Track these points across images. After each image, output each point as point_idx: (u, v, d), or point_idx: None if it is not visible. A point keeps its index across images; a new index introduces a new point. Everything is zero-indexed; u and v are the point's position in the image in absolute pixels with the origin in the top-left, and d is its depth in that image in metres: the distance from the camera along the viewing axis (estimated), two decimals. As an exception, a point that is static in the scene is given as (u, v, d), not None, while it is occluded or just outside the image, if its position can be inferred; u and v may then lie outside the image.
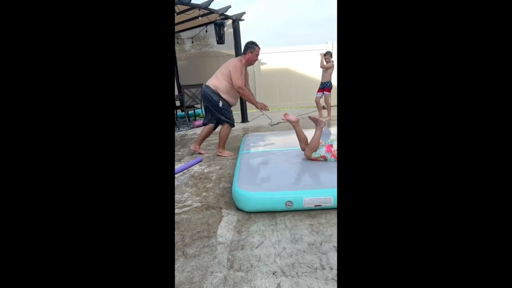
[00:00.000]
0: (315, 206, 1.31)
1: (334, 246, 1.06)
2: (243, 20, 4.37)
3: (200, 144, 2.55)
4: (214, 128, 2.48)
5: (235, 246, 1.11)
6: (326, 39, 5.59)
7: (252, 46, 2.33)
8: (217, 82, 2.31)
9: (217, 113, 2.33)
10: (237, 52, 4.51)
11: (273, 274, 0.93)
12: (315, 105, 4.45)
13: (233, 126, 2.43)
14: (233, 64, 2.29)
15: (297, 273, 0.93)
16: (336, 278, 0.89)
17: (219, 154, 2.45)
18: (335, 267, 0.94)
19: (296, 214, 1.32)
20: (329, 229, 1.18)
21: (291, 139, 2.49)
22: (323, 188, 1.34)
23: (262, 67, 5.98)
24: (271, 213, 1.35)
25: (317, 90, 4.22)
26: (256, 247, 1.09)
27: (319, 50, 4.65)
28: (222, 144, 2.44)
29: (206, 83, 2.36)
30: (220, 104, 2.31)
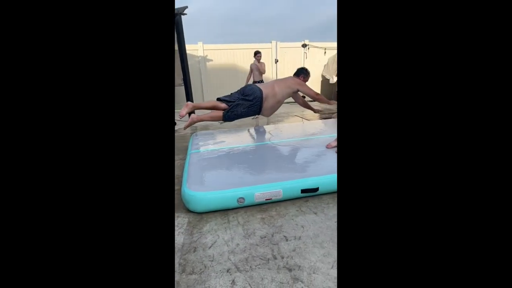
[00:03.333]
0: (265, 200, 1.35)
1: (285, 236, 1.11)
2: (186, 14, 4.19)
3: (194, 108, 2.36)
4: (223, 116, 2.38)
5: (186, 249, 1.07)
6: (270, 38, 5.80)
7: (306, 73, 2.62)
8: (270, 94, 2.39)
9: (239, 104, 2.30)
10: (180, 47, 4.31)
11: (227, 271, 0.93)
12: None
13: (223, 121, 2.41)
14: (296, 82, 2.53)
15: (250, 266, 0.95)
16: (287, 266, 0.94)
17: (191, 120, 2.36)
18: (286, 255, 1.00)
19: (248, 210, 1.35)
20: (279, 220, 1.24)
21: (241, 137, 2.52)
22: (273, 182, 1.39)
23: (208, 63, 5.85)
24: (223, 211, 1.35)
25: None
26: (209, 247, 1.07)
27: (265, 49, 4.78)
28: (203, 117, 2.37)
29: (259, 86, 2.38)
30: (251, 105, 2.32)
